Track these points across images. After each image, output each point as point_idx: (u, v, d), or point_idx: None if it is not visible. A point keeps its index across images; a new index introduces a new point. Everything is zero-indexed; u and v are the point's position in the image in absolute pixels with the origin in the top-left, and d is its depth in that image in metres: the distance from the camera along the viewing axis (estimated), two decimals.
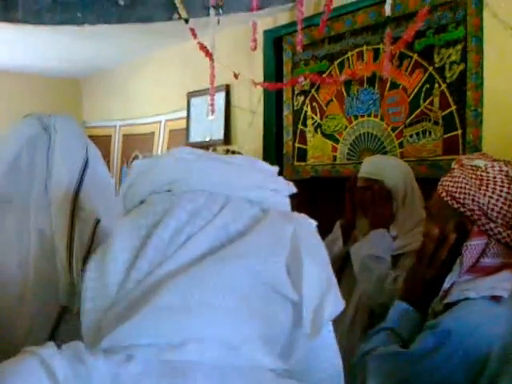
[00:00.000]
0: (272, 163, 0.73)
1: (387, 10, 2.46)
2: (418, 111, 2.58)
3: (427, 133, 2.54)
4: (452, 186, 1.27)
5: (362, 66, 2.83)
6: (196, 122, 3.99)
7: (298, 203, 0.70)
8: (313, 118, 3.15)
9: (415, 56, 2.57)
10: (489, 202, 1.22)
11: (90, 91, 5.43)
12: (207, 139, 3.82)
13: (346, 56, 2.92)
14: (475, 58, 2.31)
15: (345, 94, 2.95)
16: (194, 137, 3.98)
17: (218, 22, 2.89)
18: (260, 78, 3.33)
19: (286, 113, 3.33)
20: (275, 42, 3.35)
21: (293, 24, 2.97)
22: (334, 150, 3.03)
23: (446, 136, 2.46)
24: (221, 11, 2.89)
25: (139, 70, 4.65)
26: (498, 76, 2.23)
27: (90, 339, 0.59)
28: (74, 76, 5.39)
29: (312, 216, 0.69)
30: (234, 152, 2.90)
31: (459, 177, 1.27)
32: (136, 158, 4.69)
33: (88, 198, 1.32)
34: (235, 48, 3.45)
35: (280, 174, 0.72)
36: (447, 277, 1.24)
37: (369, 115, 2.82)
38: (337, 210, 2.24)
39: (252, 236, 0.61)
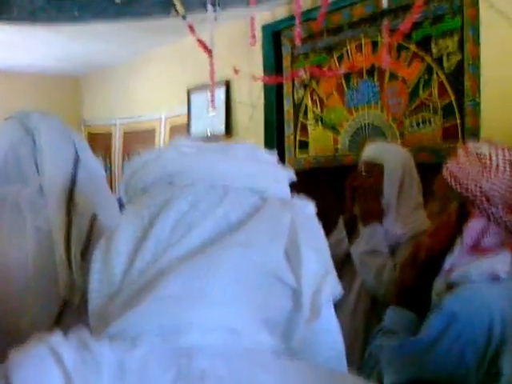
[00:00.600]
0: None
1: (384, 1, 2.47)
2: (418, 101, 2.59)
3: (427, 122, 2.55)
4: (457, 171, 1.33)
5: (361, 58, 2.84)
6: (197, 118, 4.00)
7: (300, 193, 0.72)
8: (314, 111, 3.16)
9: (413, 47, 2.58)
10: (491, 188, 1.26)
11: (90, 89, 5.44)
12: (208, 135, 3.84)
13: (345, 48, 2.93)
14: (472, 48, 2.32)
15: (345, 85, 2.95)
16: (195, 132, 4.00)
17: (215, 19, 2.89)
18: (259, 72, 3.34)
19: (287, 107, 3.33)
20: (274, 37, 3.35)
21: (291, 18, 2.98)
22: (336, 141, 3.04)
23: (445, 125, 2.48)
24: (218, 7, 2.89)
25: (139, 68, 4.65)
26: (495, 65, 2.24)
27: (96, 326, 0.61)
28: (73, 74, 5.39)
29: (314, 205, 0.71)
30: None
31: (464, 163, 1.32)
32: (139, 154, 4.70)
33: (83, 192, 1.33)
34: (234, 43, 3.46)
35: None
36: (448, 257, 1.30)
37: (369, 107, 2.84)
38: (338, 197, 2.25)
39: (252, 224, 0.62)
